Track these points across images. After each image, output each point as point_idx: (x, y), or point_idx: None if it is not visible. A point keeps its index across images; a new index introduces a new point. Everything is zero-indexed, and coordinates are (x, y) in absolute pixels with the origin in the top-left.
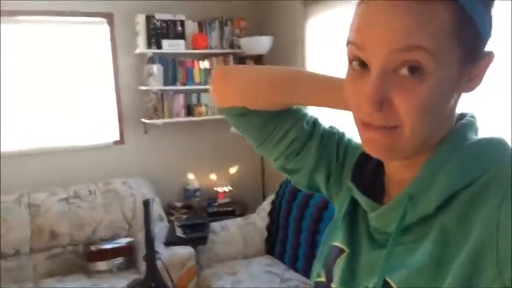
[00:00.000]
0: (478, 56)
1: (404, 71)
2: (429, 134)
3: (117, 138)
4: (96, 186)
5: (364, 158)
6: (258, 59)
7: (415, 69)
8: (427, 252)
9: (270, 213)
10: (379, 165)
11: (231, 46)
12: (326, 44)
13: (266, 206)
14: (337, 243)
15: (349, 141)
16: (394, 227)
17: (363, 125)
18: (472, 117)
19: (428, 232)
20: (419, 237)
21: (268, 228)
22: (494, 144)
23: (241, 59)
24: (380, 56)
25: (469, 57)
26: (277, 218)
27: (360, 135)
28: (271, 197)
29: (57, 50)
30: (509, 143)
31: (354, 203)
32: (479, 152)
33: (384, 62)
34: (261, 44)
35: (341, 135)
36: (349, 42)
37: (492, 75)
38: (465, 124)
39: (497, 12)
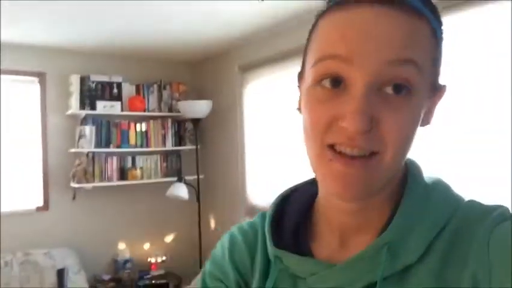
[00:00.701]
0: (436, 88)
1: (389, 90)
2: (400, 166)
3: (41, 204)
4: (13, 257)
5: (276, 223)
6: (197, 123)
7: (400, 88)
8: None
9: None
10: (296, 223)
11: (170, 109)
12: (263, 107)
13: None
14: None
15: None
16: (379, 277)
17: (331, 155)
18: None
19: (408, 281)
20: None
21: None
22: (447, 185)
23: (179, 123)
24: (370, 68)
25: (432, 87)
26: None
27: (324, 171)
28: None
29: None
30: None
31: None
32: (443, 193)
33: (373, 76)
34: (199, 107)
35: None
36: (325, 57)
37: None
38: (414, 163)
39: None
